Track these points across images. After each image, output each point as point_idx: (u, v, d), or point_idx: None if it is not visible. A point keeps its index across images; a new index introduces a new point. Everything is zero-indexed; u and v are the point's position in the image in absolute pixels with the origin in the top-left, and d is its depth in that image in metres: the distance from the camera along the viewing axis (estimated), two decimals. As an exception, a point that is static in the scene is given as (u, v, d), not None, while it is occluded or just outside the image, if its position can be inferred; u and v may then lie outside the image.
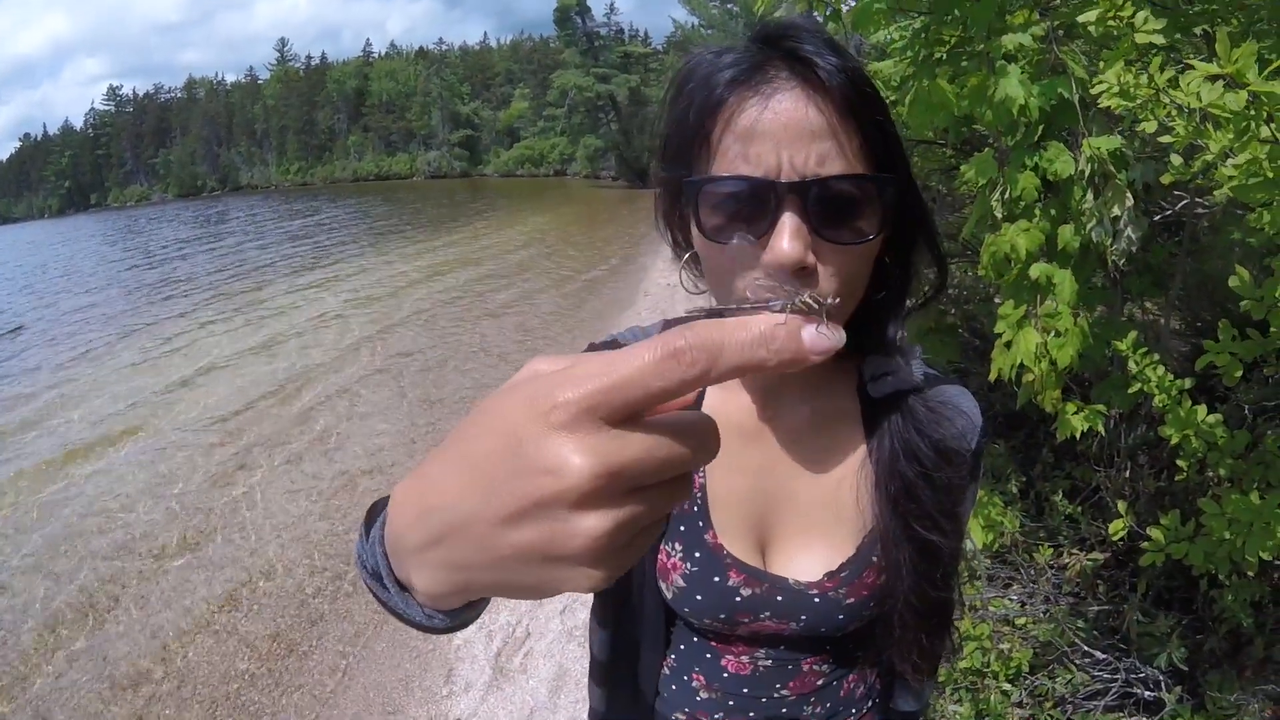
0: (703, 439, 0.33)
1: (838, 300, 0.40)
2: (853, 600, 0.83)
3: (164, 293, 14.22)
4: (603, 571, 0.32)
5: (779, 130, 0.67)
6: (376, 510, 0.59)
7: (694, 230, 0.75)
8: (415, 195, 39.19)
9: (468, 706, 3.14)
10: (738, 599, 0.84)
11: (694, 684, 0.91)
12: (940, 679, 2.38)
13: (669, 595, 0.87)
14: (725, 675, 0.89)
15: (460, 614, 0.54)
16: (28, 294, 17.13)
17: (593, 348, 0.90)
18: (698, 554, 0.85)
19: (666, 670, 0.93)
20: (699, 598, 0.84)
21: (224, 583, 4.32)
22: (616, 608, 0.93)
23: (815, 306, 0.39)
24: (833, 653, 0.89)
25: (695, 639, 0.90)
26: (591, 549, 0.31)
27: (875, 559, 0.83)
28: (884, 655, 0.89)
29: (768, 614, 0.84)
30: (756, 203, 0.69)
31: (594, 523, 0.31)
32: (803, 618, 0.83)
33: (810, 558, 0.84)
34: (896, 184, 0.72)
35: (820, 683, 0.89)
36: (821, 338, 0.33)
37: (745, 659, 0.88)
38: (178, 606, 4.13)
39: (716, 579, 0.84)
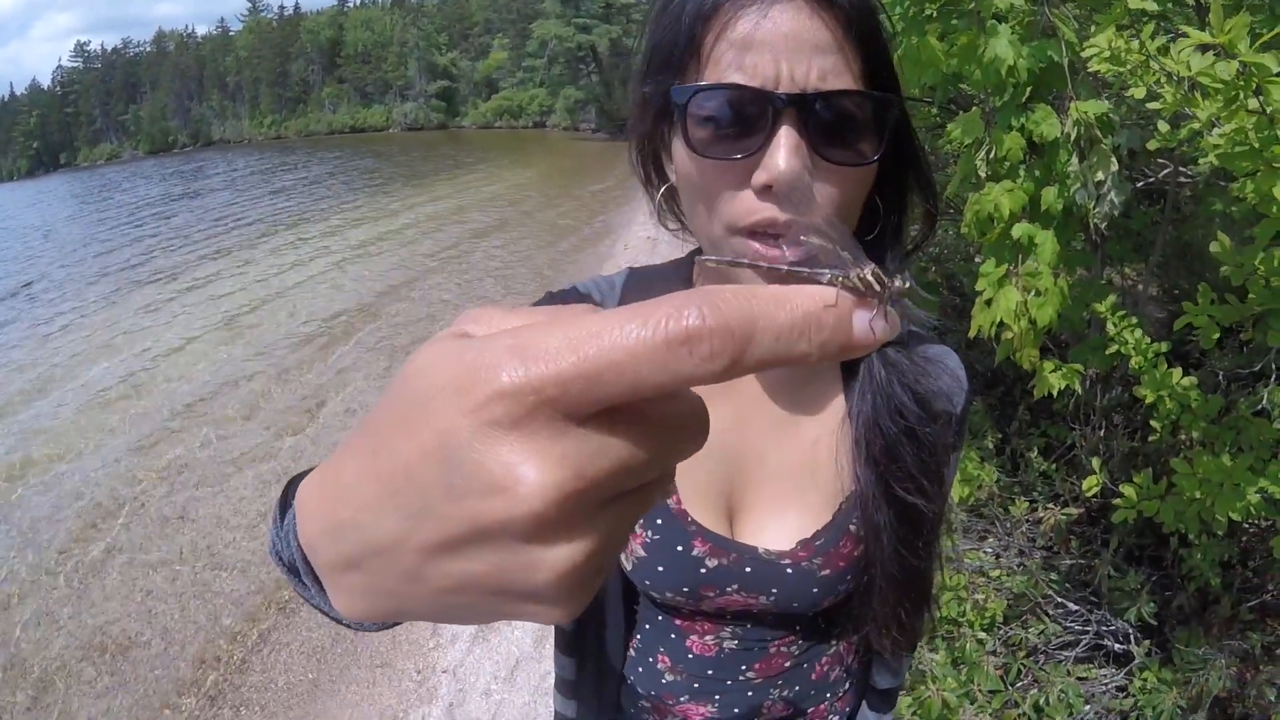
0: (694, 432, 0.25)
1: (908, 284, 0.29)
2: (828, 572, 0.77)
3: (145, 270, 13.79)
4: (569, 607, 0.24)
5: (779, 40, 0.62)
6: (293, 490, 0.49)
7: (679, 149, 0.68)
8: (395, 148, 38.38)
9: (454, 657, 3.20)
10: (702, 570, 0.77)
11: (659, 665, 0.85)
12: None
13: (628, 567, 0.80)
14: (690, 656, 0.83)
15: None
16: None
17: (550, 298, 0.83)
18: (659, 521, 0.77)
19: (633, 650, 0.87)
20: (660, 569, 0.77)
21: (204, 537, 4.34)
22: None
23: (878, 288, 0.28)
24: (803, 633, 0.83)
25: (660, 617, 0.84)
26: (555, 584, 0.23)
27: (853, 527, 0.77)
28: (862, 632, 0.83)
29: (735, 587, 0.77)
30: (751, 115, 0.63)
31: (559, 555, 0.23)
32: (773, 591, 0.77)
33: (782, 525, 0.78)
34: (900, 106, 0.67)
35: (788, 665, 0.83)
36: (874, 330, 0.25)
37: (710, 639, 0.82)
38: (157, 559, 4.14)
39: (679, 548, 0.76)
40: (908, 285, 0.29)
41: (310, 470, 0.34)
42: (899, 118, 0.68)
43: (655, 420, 0.24)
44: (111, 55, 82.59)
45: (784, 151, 0.62)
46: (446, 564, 0.24)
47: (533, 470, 0.21)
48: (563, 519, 0.22)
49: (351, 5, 76.39)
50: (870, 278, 0.29)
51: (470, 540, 0.23)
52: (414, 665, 3.20)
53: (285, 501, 0.49)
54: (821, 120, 0.63)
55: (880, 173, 0.70)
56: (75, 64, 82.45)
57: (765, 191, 0.64)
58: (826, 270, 0.31)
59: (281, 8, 79.76)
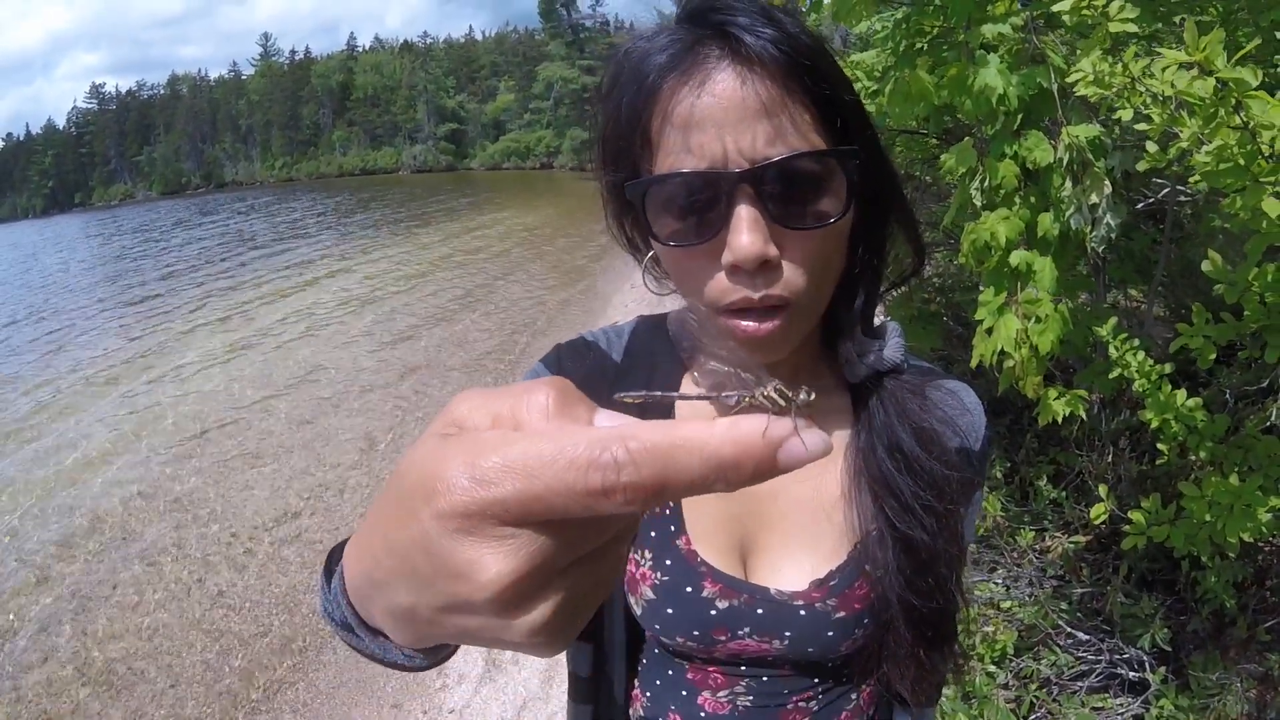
0: (629, 514, 0.28)
1: (813, 396, 0.31)
2: (844, 614, 0.74)
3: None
4: (552, 647, 0.30)
5: (720, 114, 0.61)
6: (335, 557, 0.55)
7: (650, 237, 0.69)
8: (410, 191, 38.69)
9: (461, 698, 3.16)
10: (713, 612, 0.74)
11: None
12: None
13: (638, 611, 0.78)
14: (703, 715, 0.80)
15: (439, 651, 0.55)
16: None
17: (558, 350, 0.86)
18: (668, 562, 0.76)
19: (641, 709, 0.84)
20: (670, 611, 0.75)
21: (212, 582, 4.32)
22: (598, 620, 0.85)
23: (783, 403, 0.31)
24: (821, 685, 0.79)
25: (670, 671, 0.81)
26: (532, 639, 0.29)
27: (868, 567, 0.75)
28: (880, 674, 0.79)
29: (747, 629, 0.75)
30: (706, 198, 0.63)
31: (527, 620, 0.28)
32: (787, 634, 0.74)
33: (795, 565, 0.76)
34: (858, 156, 0.65)
35: None
36: (795, 450, 0.26)
37: (724, 696, 0.79)
38: (170, 601, 4.12)
39: (689, 590, 0.75)
40: (812, 398, 0.31)
41: (345, 541, 0.42)
42: (866, 161, 0.66)
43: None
44: (126, 97, 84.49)
45: (745, 230, 0.62)
46: (451, 620, 0.30)
47: (489, 563, 0.27)
48: (522, 595, 0.27)
49: (361, 49, 77.97)
50: (774, 394, 0.31)
51: (459, 608, 0.29)
52: (419, 705, 3.17)
53: (329, 569, 0.55)
54: (777, 189, 0.62)
55: (858, 213, 0.69)
56: (90, 105, 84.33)
57: (735, 271, 0.64)
58: (733, 394, 0.32)
59: (293, 52, 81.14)
